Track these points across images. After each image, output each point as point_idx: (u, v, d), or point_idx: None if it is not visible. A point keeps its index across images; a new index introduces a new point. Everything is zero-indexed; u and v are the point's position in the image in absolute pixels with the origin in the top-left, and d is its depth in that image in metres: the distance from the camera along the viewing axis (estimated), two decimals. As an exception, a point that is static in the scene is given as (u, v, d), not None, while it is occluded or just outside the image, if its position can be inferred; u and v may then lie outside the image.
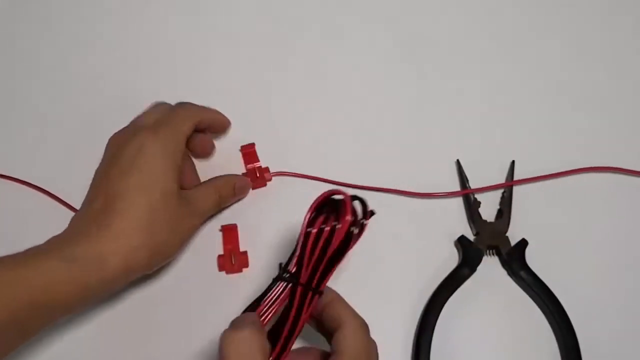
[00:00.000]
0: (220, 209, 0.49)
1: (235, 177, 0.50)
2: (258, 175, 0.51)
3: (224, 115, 0.52)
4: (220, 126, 0.52)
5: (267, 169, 0.51)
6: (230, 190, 0.49)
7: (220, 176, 0.49)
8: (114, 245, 0.40)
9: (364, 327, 0.36)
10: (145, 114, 0.47)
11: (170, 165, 0.43)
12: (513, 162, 0.52)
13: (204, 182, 0.49)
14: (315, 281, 0.35)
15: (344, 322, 0.35)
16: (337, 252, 0.35)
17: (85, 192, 0.44)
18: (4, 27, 0.59)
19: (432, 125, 0.54)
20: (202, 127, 0.49)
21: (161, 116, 0.46)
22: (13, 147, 0.54)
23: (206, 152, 0.52)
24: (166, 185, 0.42)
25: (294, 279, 0.35)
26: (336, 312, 0.36)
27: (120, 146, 0.44)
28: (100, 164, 0.45)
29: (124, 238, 0.40)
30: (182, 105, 0.48)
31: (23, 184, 0.52)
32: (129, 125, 0.47)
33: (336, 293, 0.37)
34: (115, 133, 0.46)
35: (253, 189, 0.52)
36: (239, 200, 0.51)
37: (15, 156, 0.53)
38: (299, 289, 0.35)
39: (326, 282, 0.36)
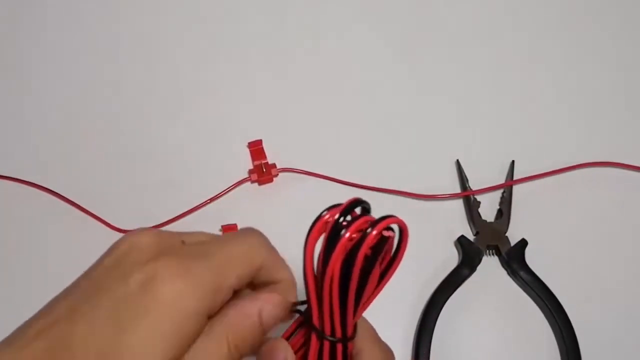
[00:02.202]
0: None
1: (257, 300, 0.27)
2: (265, 171, 0.50)
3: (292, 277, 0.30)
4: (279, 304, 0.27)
5: (273, 165, 0.51)
6: (251, 332, 0.26)
7: (234, 305, 0.27)
8: None
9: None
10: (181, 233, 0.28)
11: (190, 325, 0.24)
12: (513, 162, 0.51)
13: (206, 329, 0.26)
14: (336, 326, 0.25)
15: (361, 352, 0.26)
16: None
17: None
18: (3, 27, 0.58)
19: (432, 125, 0.53)
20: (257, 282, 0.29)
21: (205, 241, 0.28)
22: (13, 147, 0.53)
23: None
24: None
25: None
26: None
27: (121, 261, 0.25)
28: (88, 272, 0.26)
29: None
30: (243, 236, 0.28)
31: (23, 184, 0.51)
32: (152, 232, 0.27)
33: None
34: (133, 233, 0.26)
35: (259, 184, 0.51)
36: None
37: (15, 156, 0.52)
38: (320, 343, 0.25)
39: (350, 325, 0.25)
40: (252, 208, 0.50)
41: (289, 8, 0.58)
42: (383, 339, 0.34)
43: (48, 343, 0.23)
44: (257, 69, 0.55)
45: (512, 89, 0.55)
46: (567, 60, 0.56)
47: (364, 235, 0.23)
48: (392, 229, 0.24)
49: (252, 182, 0.51)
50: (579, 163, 0.51)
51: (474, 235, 0.48)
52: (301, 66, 0.56)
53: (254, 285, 0.29)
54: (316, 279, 0.24)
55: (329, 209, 0.24)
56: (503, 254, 0.47)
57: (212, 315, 0.26)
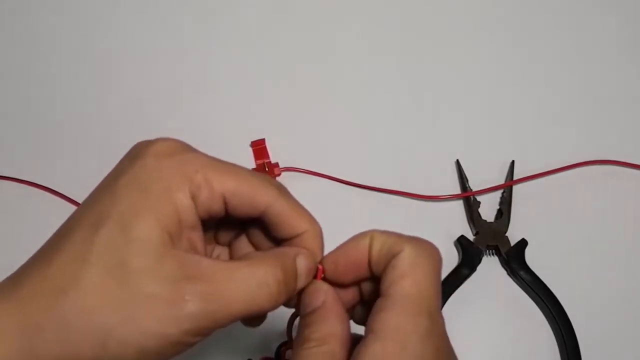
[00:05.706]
0: (264, 311, 0.25)
1: (293, 248, 0.27)
2: (267, 170, 0.49)
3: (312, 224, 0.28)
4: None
5: (276, 165, 0.50)
6: (292, 271, 0.26)
7: (282, 249, 0.27)
8: (16, 316, 0.22)
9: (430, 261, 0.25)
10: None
11: (173, 204, 0.24)
12: (513, 162, 0.50)
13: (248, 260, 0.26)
14: None
15: (399, 253, 0.25)
16: None
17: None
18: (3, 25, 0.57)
19: (432, 125, 0.52)
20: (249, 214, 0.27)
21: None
22: (13, 147, 0.51)
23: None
24: (151, 224, 0.23)
25: None
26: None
27: (126, 156, 0.27)
28: None
29: (33, 302, 0.22)
30: (258, 173, 0.28)
31: (24, 184, 0.49)
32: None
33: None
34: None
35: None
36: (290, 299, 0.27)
37: (15, 156, 0.51)
38: None
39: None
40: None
41: (292, 8, 0.57)
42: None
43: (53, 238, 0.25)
44: (260, 69, 0.55)
45: (512, 89, 0.54)
46: (567, 60, 0.55)
47: None
48: None
49: (255, 181, 0.50)
50: (578, 162, 0.49)
51: (474, 235, 0.47)
52: (304, 66, 0.55)
53: (277, 240, 0.28)
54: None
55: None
56: (503, 254, 0.46)
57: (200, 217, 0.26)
